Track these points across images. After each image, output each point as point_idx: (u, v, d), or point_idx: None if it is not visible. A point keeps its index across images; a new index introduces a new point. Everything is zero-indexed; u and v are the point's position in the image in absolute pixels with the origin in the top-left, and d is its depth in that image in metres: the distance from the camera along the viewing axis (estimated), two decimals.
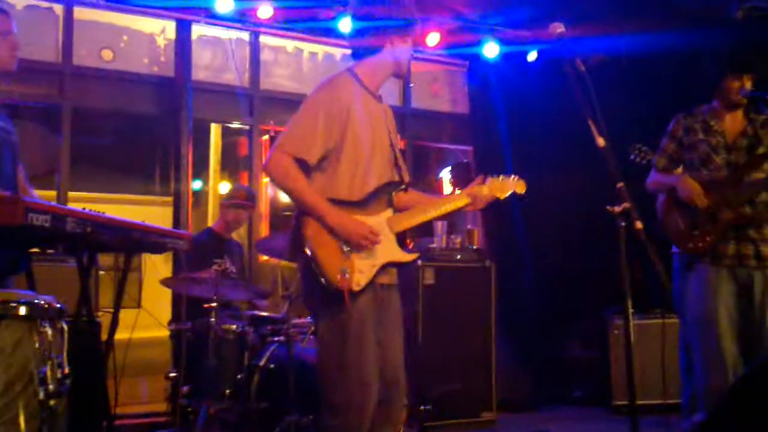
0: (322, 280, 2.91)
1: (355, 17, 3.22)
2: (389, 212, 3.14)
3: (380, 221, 3.09)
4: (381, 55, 3.19)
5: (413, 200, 3.28)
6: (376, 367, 2.99)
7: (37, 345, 2.36)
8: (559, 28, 3.10)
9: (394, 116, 3.40)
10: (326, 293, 2.93)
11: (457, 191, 3.45)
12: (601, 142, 2.90)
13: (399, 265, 3.17)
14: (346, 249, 2.98)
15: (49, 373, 2.37)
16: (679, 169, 4.20)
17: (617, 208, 2.82)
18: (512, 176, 3.41)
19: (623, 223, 2.82)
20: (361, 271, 2.98)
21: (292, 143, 3.01)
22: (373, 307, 3.04)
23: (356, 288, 2.95)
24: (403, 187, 3.23)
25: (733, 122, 4.06)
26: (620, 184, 2.86)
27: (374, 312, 3.04)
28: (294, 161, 2.98)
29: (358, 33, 3.22)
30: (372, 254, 3.02)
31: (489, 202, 3.30)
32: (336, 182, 3.05)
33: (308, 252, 2.93)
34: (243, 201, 5.39)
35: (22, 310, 2.35)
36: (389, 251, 3.08)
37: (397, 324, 3.20)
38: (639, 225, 2.83)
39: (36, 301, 2.41)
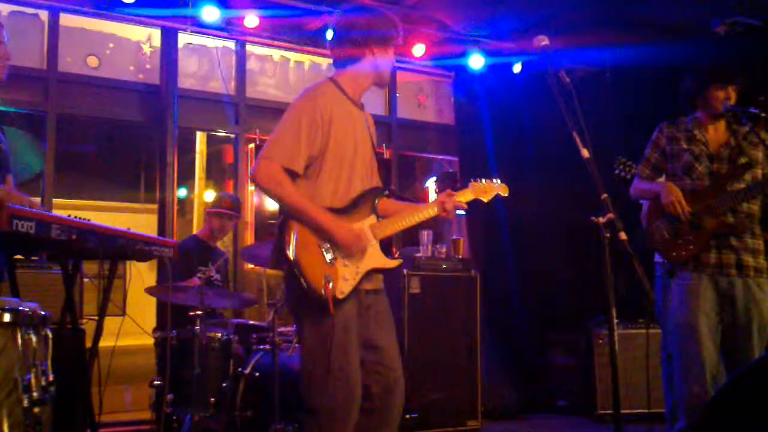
0: (306, 288, 2.91)
1: (337, 26, 3.23)
2: (373, 219, 3.15)
3: (364, 228, 3.10)
4: (362, 64, 3.19)
5: (389, 208, 3.29)
6: (360, 373, 3.00)
7: (21, 352, 2.35)
8: (543, 40, 3.13)
9: (375, 125, 3.41)
10: (310, 301, 2.94)
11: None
12: (585, 153, 2.92)
13: (383, 272, 3.18)
14: (329, 257, 2.99)
15: (33, 380, 2.35)
16: (662, 178, 4.23)
17: (601, 219, 2.85)
18: (496, 180, 3.45)
19: (607, 234, 2.84)
20: (345, 278, 3.00)
21: (278, 153, 3.01)
22: (358, 313, 3.05)
23: (340, 296, 2.96)
24: (386, 193, 3.25)
25: (716, 133, 4.09)
26: (604, 195, 2.88)
27: (359, 318, 3.05)
28: (282, 169, 2.99)
29: (338, 42, 3.22)
30: (355, 261, 3.04)
31: (458, 207, 3.31)
32: (319, 189, 3.06)
33: (292, 260, 2.94)
34: (227, 210, 5.39)
35: (6, 317, 2.33)
36: (373, 258, 3.09)
37: (390, 328, 3.20)
38: (623, 236, 2.85)
39: (20, 308, 2.39)
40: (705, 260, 3.89)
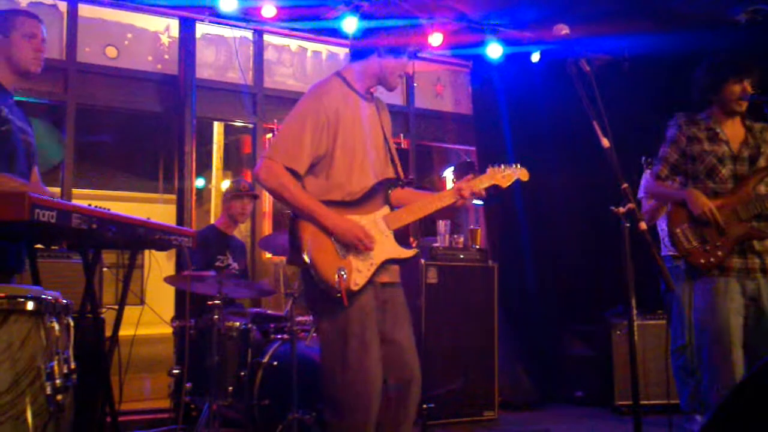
0: (320, 281, 2.92)
1: (359, 18, 3.22)
2: (386, 210, 3.14)
3: (377, 219, 3.09)
4: (368, 61, 3.17)
5: (407, 198, 3.27)
6: (380, 365, 2.98)
7: (44, 340, 2.37)
8: (563, 29, 3.11)
9: (392, 115, 3.38)
10: (325, 294, 2.94)
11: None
12: (605, 143, 2.90)
13: (399, 262, 3.16)
14: (342, 250, 2.99)
15: (56, 368, 2.36)
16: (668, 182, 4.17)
17: (621, 209, 2.83)
18: (515, 165, 3.39)
19: (627, 224, 2.82)
20: (359, 270, 2.99)
21: (281, 154, 3.01)
22: (375, 306, 3.04)
23: (354, 288, 2.96)
24: (400, 183, 3.24)
25: (733, 128, 4.00)
26: (625, 185, 2.86)
27: (376, 311, 3.04)
28: (284, 168, 2.99)
29: (355, 34, 3.22)
30: (369, 253, 3.03)
31: (477, 195, 3.25)
32: (330, 184, 3.07)
33: (305, 256, 2.94)
34: (248, 191, 5.38)
35: (30, 305, 2.35)
36: (387, 249, 3.08)
37: (406, 322, 3.19)
38: (643, 225, 2.83)
39: (43, 296, 2.41)
40: (729, 265, 3.81)
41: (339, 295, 2.89)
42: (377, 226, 3.08)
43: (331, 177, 3.07)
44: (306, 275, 3.00)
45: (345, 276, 2.92)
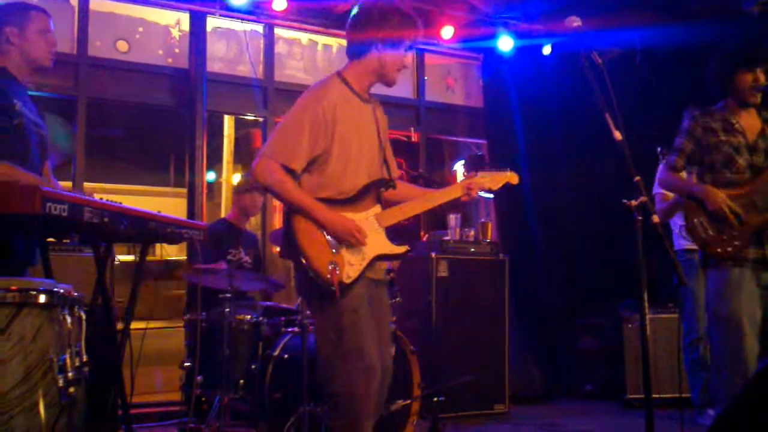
0: (313, 276, 2.97)
1: (353, 15, 3.24)
2: (378, 208, 3.20)
3: (369, 217, 3.15)
4: (366, 58, 3.19)
5: (404, 193, 3.34)
6: (375, 353, 3.03)
7: (56, 333, 2.38)
8: (575, 21, 3.10)
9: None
10: (318, 288, 2.99)
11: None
12: (618, 135, 2.89)
13: (390, 258, 3.24)
14: (334, 246, 3.05)
15: (68, 360, 2.37)
16: (683, 173, 4.17)
17: (634, 202, 2.82)
18: (504, 169, 3.44)
19: (640, 217, 2.81)
20: (351, 264, 3.05)
21: (278, 152, 3.06)
22: (366, 298, 3.09)
23: (347, 280, 3.01)
24: (391, 184, 3.28)
25: (749, 119, 3.96)
26: (637, 178, 2.85)
27: (367, 303, 3.09)
28: (280, 167, 3.04)
29: (349, 30, 3.24)
30: (361, 248, 3.08)
31: (483, 189, 3.35)
32: (324, 182, 3.11)
33: (299, 250, 3.00)
34: (257, 185, 5.39)
35: (42, 298, 2.36)
36: (378, 245, 3.14)
37: (386, 320, 3.29)
38: (656, 218, 2.82)
39: (55, 289, 2.42)
40: (745, 255, 3.78)
41: (332, 287, 2.94)
42: (369, 223, 3.14)
43: (326, 175, 3.12)
44: (298, 270, 3.07)
45: (337, 270, 2.97)
